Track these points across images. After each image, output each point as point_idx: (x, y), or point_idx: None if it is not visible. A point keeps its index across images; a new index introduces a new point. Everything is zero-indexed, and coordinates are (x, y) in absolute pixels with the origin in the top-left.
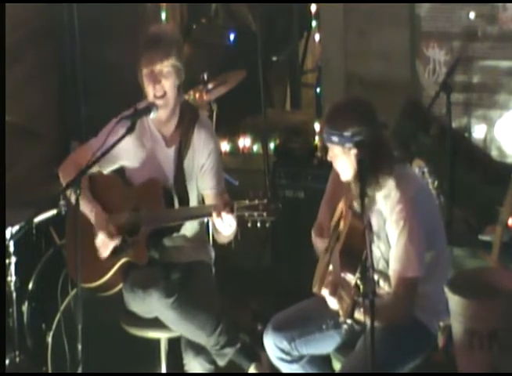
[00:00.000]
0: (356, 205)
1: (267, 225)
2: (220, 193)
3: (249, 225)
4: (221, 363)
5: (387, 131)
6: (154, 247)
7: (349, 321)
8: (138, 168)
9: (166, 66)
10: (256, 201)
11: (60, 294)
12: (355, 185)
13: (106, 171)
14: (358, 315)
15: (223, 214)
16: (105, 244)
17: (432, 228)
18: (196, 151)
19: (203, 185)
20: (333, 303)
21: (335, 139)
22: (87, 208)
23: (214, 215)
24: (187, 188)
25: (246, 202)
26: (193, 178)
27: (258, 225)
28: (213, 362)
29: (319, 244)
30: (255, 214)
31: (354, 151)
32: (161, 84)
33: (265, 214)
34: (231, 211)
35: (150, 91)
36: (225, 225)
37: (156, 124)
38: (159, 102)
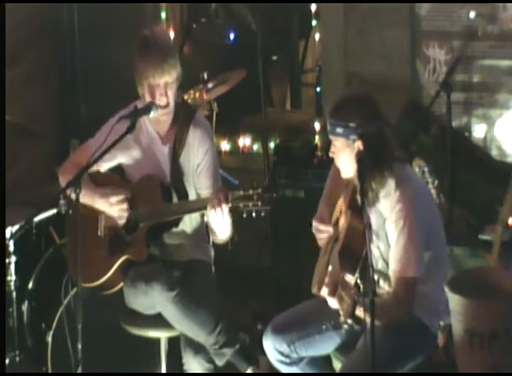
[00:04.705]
0: (359, 199)
1: (262, 214)
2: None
3: (244, 215)
4: (220, 362)
5: (389, 129)
6: (154, 243)
7: (349, 321)
8: (135, 165)
9: (172, 77)
10: (250, 191)
11: (63, 294)
12: (357, 181)
13: (104, 169)
14: (359, 313)
15: (216, 204)
16: (120, 216)
17: (431, 228)
18: (191, 150)
19: (199, 184)
20: (333, 303)
21: (339, 130)
22: (89, 195)
23: (209, 207)
24: (185, 185)
25: (241, 192)
26: (190, 176)
27: (254, 215)
28: (212, 361)
29: (321, 232)
30: (250, 204)
31: (358, 143)
32: (167, 95)
33: (259, 203)
34: (225, 200)
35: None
36: (218, 219)
37: (152, 123)
38: (161, 111)
